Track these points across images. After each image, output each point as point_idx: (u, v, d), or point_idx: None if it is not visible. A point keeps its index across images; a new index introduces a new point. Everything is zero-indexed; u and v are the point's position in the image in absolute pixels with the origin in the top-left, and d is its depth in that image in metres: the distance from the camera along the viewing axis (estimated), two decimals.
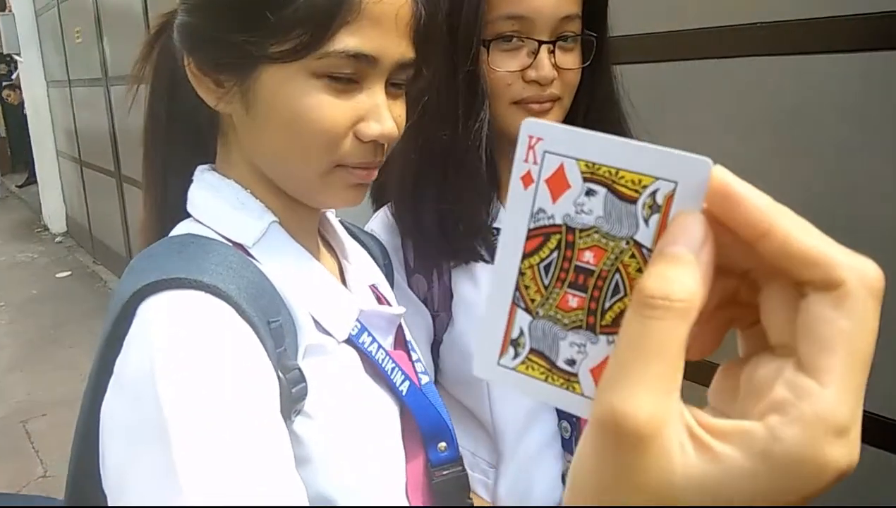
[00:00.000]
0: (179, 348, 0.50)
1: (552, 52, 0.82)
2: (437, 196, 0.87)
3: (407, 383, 0.67)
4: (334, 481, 0.59)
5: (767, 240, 0.25)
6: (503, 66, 0.82)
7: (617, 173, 0.28)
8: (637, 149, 0.27)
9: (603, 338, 0.29)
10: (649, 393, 0.24)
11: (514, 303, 0.30)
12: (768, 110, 1.32)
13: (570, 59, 0.84)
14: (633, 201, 0.28)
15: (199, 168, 0.66)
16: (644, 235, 0.28)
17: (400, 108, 0.63)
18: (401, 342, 0.72)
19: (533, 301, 0.30)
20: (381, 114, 0.59)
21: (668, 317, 0.25)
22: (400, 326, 0.72)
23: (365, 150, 0.60)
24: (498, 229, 0.89)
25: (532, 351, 0.30)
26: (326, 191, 0.62)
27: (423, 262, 0.91)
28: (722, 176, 0.26)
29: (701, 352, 0.29)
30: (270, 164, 0.62)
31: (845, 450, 0.23)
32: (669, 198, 0.27)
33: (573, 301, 0.29)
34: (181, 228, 0.63)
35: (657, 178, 0.27)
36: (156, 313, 0.52)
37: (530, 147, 0.29)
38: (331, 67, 0.56)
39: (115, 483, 0.51)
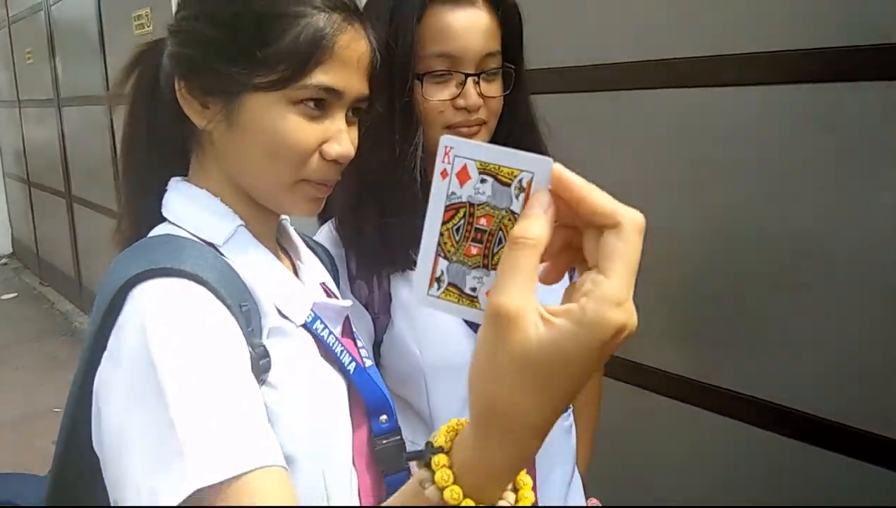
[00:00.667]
0: (169, 323, 0.60)
1: (477, 83, 0.95)
2: (377, 211, 0.98)
3: (353, 364, 0.78)
4: (291, 444, 0.70)
5: (582, 203, 0.41)
6: (435, 96, 0.95)
7: (499, 168, 0.43)
8: (511, 153, 0.43)
9: (493, 272, 0.44)
10: (516, 293, 0.40)
11: (437, 254, 0.45)
12: (669, 135, 1.50)
13: (493, 89, 0.97)
14: (509, 185, 0.43)
15: (174, 179, 0.77)
16: (516, 206, 0.43)
17: (354, 134, 0.75)
18: (348, 331, 0.84)
19: (449, 251, 0.45)
20: (342, 138, 0.71)
21: (527, 248, 0.40)
22: (347, 317, 0.84)
23: (327, 168, 0.72)
24: None
25: (449, 284, 0.45)
26: (291, 201, 0.73)
27: (364, 270, 1.01)
28: (559, 168, 0.42)
29: (553, 279, 0.46)
30: (246, 175, 0.73)
31: (623, 315, 0.39)
32: (530, 183, 0.43)
33: (474, 250, 0.45)
34: (159, 230, 0.74)
35: (522, 171, 0.43)
36: (147, 296, 0.62)
37: (446, 153, 0.44)
38: (305, 97, 0.69)
39: (113, 444, 0.60)
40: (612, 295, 0.39)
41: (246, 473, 0.58)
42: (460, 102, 0.94)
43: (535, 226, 0.41)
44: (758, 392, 1.45)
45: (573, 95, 1.62)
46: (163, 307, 0.61)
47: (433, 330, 1.00)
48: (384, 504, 0.51)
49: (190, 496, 0.56)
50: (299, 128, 0.69)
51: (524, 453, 0.44)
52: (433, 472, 0.45)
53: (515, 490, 0.50)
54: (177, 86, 0.71)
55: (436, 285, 0.46)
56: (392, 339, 1.01)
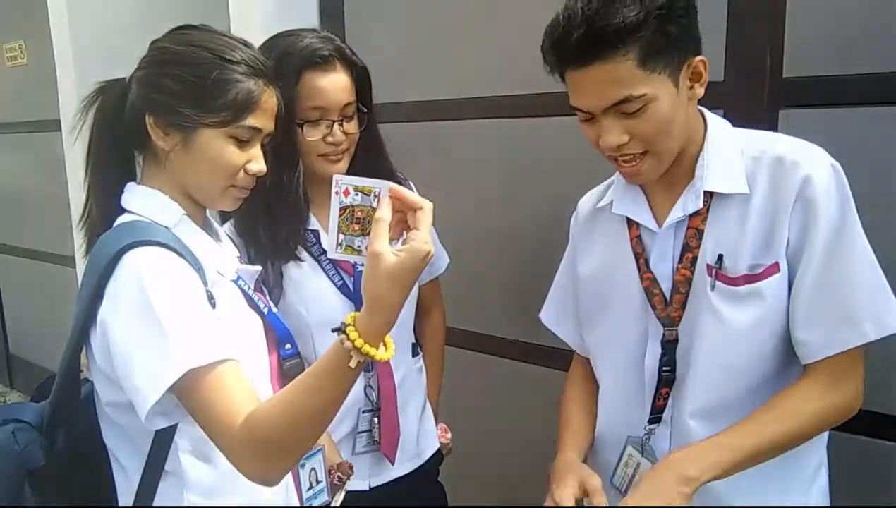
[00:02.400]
0: (155, 272, 0.95)
1: (340, 124, 1.33)
2: (268, 218, 1.34)
3: (266, 308, 1.15)
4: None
5: (404, 200, 0.87)
6: (311, 135, 1.32)
7: (364, 187, 0.89)
8: (369, 180, 0.89)
9: (367, 237, 0.89)
10: (380, 243, 0.85)
11: (338, 232, 0.90)
12: (492, 156, 1.98)
13: (352, 127, 1.36)
14: (369, 195, 0.89)
15: (129, 184, 1.09)
16: (375, 204, 0.89)
17: (264, 158, 1.11)
18: (258, 287, 1.20)
19: (343, 230, 0.90)
20: (260, 160, 1.08)
21: (381, 222, 0.85)
22: (258, 279, 1.21)
23: (248, 179, 1.08)
24: (313, 231, 1.40)
25: (346, 245, 0.90)
26: (222, 200, 1.09)
27: (259, 258, 1.35)
28: (392, 185, 0.88)
29: (395, 235, 0.90)
30: (193, 183, 1.07)
31: (427, 246, 0.86)
32: (380, 193, 0.88)
33: (357, 227, 0.90)
34: (125, 218, 1.05)
35: (375, 187, 0.89)
36: (135, 258, 0.96)
37: (336, 183, 0.90)
38: (239, 133, 1.04)
39: (122, 357, 0.94)
40: (421, 238, 0.86)
41: (221, 362, 0.94)
42: (329, 139, 1.33)
43: (383, 212, 0.88)
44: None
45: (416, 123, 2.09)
46: (149, 263, 0.96)
47: (315, 297, 1.38)
48: (325, 353, 0.91)
49: (181, 378, 0.91)
50: (233, 153, 1.05)
51: (391, 320, 0.88)
52: (347, 333, 0.88)
53: (385, 345, 0.91)
54: (147, 119, 1.04)
55: (339, 247, 0.92)
56: (285, 306, 1.37)
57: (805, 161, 1.04)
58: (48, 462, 1.04)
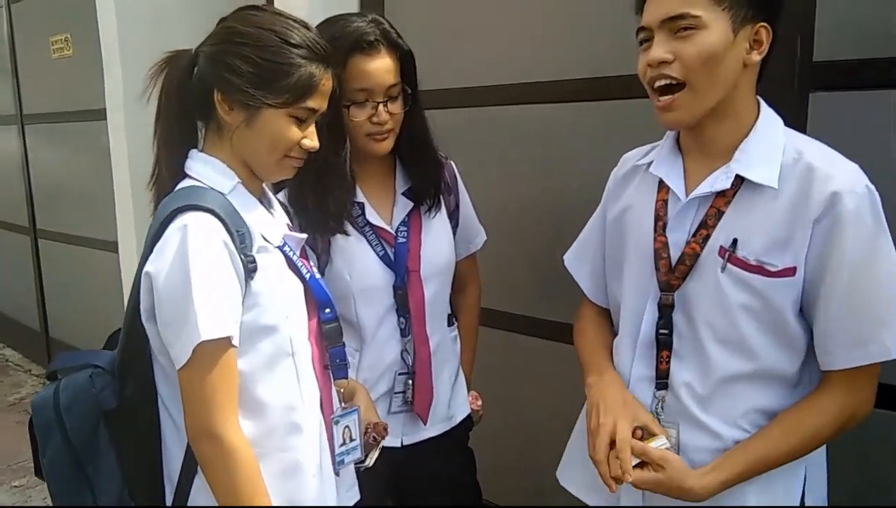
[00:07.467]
0: (196, 237, 1.03)
1: (385, 105, 1.39)
2: (317, 191, 1.41)
3: (308, 273, 1.23)
4: (271, 318, 1.12)
5: None
6: (358, 116, 1.39)
7: None
8: None
9: None
10: None
11: None
12: (526, 138, 2.03)
13: (397, 107, 1.42)
14: None
15: (193, 151, 1.18)
16: None
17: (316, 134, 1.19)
18: (304, 254, 1.27)
19: None
20: (314, 136, 1.16)
21: None
22: (304, 246, 1.27)
23: (302, 152, 1.17)
24: (358, 203, 1.46)
25: None
26: (277, 170, 1.18)
27: (308, 228, 1.42)
28: None
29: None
30: (250, 154, 1.15)
31: None
32: None
33: None
34: (186, 183, 1.14)
35: None
36: (183, 222, 1.05)
37: None
38: (298, 113, 1.12)
39: (161, 313, 1.04)
40: None
41: (226, 338, 1.03)
42: (375, 119, 1.39)
43: None
44: None
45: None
46: (194, 227, 1.05)
47: (359, 264, 1.46)
48: None
49: (196, 346, 1.01)
50: (292, 130, 1.14)
51: None
52: None
53: None
54: (215, 95, 1.12)
55: None
56: (331, 271, 1.46)
57: (837, 176, 1.06)
58: (119, 404, 1.14)
